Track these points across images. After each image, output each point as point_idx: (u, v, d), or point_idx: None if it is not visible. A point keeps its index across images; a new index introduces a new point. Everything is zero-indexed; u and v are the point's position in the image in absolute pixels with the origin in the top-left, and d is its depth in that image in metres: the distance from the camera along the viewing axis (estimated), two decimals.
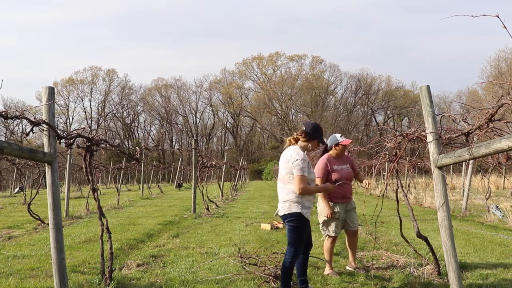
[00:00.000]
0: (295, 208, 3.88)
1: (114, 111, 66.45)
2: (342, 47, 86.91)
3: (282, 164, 4.03)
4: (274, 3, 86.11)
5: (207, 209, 11.43)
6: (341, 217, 4.95)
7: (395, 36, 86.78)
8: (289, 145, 4.10)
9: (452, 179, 20.96)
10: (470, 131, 3.31)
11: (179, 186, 28.61)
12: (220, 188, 16.66)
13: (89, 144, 4.59)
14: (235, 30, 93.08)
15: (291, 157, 3.91)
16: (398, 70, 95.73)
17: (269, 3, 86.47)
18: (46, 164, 3.67)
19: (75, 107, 64.39)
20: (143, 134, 69.40)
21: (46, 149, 3.65)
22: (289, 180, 3.92)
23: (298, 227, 3.90)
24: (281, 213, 4.00)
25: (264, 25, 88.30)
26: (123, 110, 67.15)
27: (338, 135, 5.05)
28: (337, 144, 4.98)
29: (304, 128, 4.06)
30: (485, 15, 2.52)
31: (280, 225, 8.49)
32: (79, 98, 64.02)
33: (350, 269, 5.03)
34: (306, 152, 4.07)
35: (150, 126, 70.00)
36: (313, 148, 4.12)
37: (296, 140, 4.09)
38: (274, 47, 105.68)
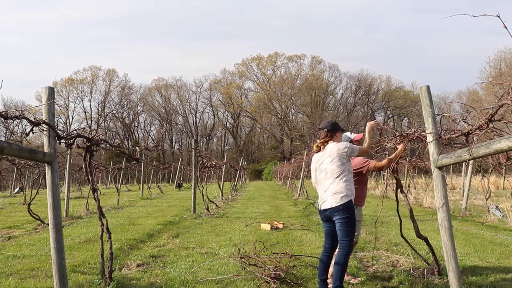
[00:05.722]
0: (346, 198, 4.04)
1: (114, 111, 66.45)
2: (342, 48, 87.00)
3: (330, 160, 4.16)
4: (274, 4, 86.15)
5: (207, 209, 11.43)
6: (362, 219, 4.77)
7: (395, 37, 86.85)
8: (318, 150, 4.35)
9: (452, 179, 20.97)
10: (470, 132, 3.31)
11: (179, 186, 28.61)
12: (220, 188, 16.66)
13: (89, 144, 4.59)
14: (235, 30, 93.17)
15: (340, 149, 4.13)
16: (398, 71, 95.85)
17: (269, 4, 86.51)
18: (46, 164, 3.67)
19: (74, 107, 64.43)
20: (143, 134, 69.44)
21: (46, 149, 3.64)
22: (341, 172, 4.09)
23: (352, 216, 4.03)
24: (328, 206, 4.07)
25: (264, 25, 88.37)
26: (123, 110, 67.16)
27: (348, 133, 4.84)
28: (351, 142, 4.72)
29: (325, 129, 4.31)
30: (485, 14, 2.52)
31: (280, 225, 8.49)
32: (78, 98, 64.07)
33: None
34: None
35: (150, 126, 70.07)
36: (339, 139, 4.37)
37: (324, 144, 4.31)
38: (274, 48, 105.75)
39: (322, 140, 4.33)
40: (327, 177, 4.18)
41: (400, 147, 4.58)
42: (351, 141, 4.74)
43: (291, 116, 65.58)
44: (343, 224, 4.01)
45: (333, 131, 4.30)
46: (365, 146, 4.41)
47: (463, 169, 15.37)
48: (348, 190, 4.06)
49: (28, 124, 3.41)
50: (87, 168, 4.63)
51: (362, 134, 5.01)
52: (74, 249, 6.42)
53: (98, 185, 30.63)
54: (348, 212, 4.01)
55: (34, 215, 8.69)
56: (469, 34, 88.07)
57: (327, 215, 4.13)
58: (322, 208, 4.17)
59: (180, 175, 33.73)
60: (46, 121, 3.59)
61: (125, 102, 67.10)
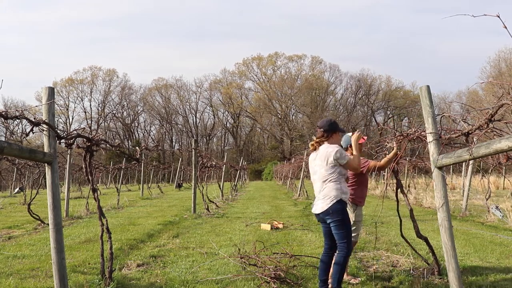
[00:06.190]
0: (335, 199, 3.96)
1: (114, 111, 66.42)
2: (342, 48, 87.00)
3: (320, 164, 4.09)
4: (274, 4, 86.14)
5: (207, 209, 11.43)
6: (362, 217, 4.81)
7: (395, 37, 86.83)
8: (313, 150, 4.23)
9: (452, 179, 20.96)
10: (470, 132, 3.31)
11: (179, 186, 28.61)
12: (220, 188, 16.66)
13: (89, 144, 4.59)
14: (235, 30, 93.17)
15: (328, 153, 4.02)
16: (398, 71, 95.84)
17: (269, 4, 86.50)
18: (46, 164, 3.67)
19: (75, 107, 64.43)
20: (143, 134, 69.42)
21: (46, 149, 3.64)
22: (329, 176, 4.01)
23: (344, 218, 3.98)
24: (319, 210, 4.03)
25: (264, 25, 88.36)
26: (123, 110, 67.15)
27: (350, 134, 4.73)
28: (350, 145, 4.63)
29: (322, 129, 4.15)
30: (485, 14, 2.52)
31: (280, 225, 8.49)
32: (78, 98, 64.06)
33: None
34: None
35: (150, 126, 70.06)
36: (337, 141, 4.23)
37: (319, 143, 4.18)
38: (274, 48, 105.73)
39: (317, 140, 4.19)
40: (317, 180, 4.14)
41: (395, 148, 4.55)
42: (350, 145, 4.68)
43: (291, 116, 65.59)
44: (337, 227, 3.97)
45: (330, 132, 4.13)
46: (353, 159, 4.11)
47: (463, 169, 15.36)
48: (336, 191, 3.98)
49: (28, 124, 3.41)
50: (87, 168, 4.63)
51: (365, 138, 4.98)
52: (74, 249, 6.42)
53: (98, 185, 30.63)
54: (338, 215, 3.95)
55: (34, 215, 8.68)
56: (469, 34, 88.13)
57: (320, 218, 4.13)
58: (314, 212, 4.16)
59: (180, 175, 33.73)
60: (46, 121, 3.59)
61: (125, 102, 67.11)
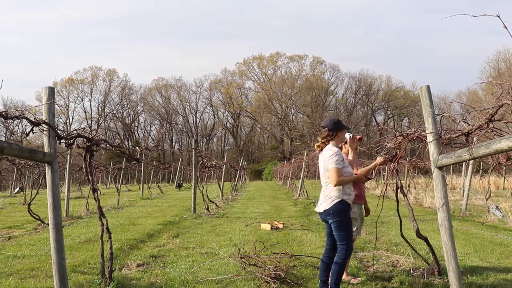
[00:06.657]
0: (336, 200, 4.00)
1: (114, 111, 66.42)
2: (342, 48, 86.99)
3: (321, 165, 4.19)
4: (274, 4, 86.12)
5: (207, 209, 11.43)
6: (361, 216, 4.85)
7: (395, 37, 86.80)
8: (320, 151, 4.27)
9: (452, 179, 20.96)
10: (470, 131, 3.31)
11: (179, 186, 28.61)
12: (220, 188, 16.66)
13: (89, 144, 4.59)
14: (235, 30, 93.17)
15: (326, 154, 4.09)
16: (398, 71, 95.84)
17: (269, 4, 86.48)
18: (46, 164, 3.67)
19: (75, 107, 64.41)
20: (143, 134, 69.43)
21: (46, 149, 3.64)
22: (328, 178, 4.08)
23: (344, 219, 4.00)
24: (321, 210, 4.10)
25: (264, 25, 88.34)
26: (123, 110, 67.14)
27: (346, 134, 4.71)
28: (346, 142, 4.73)
29: (327, 128, 4.18)
30: (485, 14, 2.52)
31: (280, 225, 8.49)
32: (79, 98, 64.05)
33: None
34: (341, 145, 4.43)
35: (150, 126, 70.06)
36: (343, 138, 4.31)
37: (325, 144, 4.21)
38: (274, 48, 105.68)
39: (323, 140, 4.21)
40: (322, 180, 4.23)
41: (378, 159, 4.59)
42: (346, 142, 4.75)
43: (291, 116, 65.59)
44: (336, 228, 4.01)
45: (335, 130, 4.17)
46: (348, 176, 4.10)
47: (463, 169, 15.37)
48: (338, 191, 4.02)
49: (28, 124, 3.41)
50: (87, 168, 4.63)
51: (360, 136, 5.01)
52: (74, 249, 6.42)
53: (98, 185, 30.62)
54: (338, 216, 3.98)
55: (34, 215, 8.68)
56: (469, 34, 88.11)
57: (323, 218, 4.19)
58: (317, 211, 4.23)
59: (180, 175, 33.73)
60: (46, 121, 3.59)
61: (125, 102, 67.10)
